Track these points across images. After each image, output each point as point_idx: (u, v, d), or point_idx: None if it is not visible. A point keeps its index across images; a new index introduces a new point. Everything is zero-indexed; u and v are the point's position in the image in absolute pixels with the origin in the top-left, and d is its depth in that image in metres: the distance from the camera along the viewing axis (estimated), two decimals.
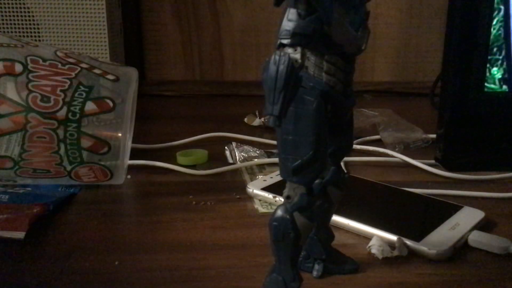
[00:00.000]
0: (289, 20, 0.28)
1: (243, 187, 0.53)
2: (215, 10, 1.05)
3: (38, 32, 0.87)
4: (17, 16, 0.86)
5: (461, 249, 0.42)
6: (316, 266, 0.37)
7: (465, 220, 0.45)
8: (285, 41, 0.28)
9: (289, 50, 0.28)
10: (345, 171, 0.36)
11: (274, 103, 0.28)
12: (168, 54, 1.08)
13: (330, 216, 0.37)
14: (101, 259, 0.40)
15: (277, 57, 0.28)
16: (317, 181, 0.31)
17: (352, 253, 0.41)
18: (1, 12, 0.86)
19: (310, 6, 0.27)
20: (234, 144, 0.66)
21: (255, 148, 0.65)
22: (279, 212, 0.32)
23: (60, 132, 0.49)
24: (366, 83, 1.08)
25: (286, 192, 0.32)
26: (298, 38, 0.28)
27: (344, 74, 0.31)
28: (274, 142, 0.70)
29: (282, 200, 0.49)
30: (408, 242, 0.41)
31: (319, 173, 0.31)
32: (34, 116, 0.48)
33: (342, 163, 0.37)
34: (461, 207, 0.48)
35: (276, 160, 0.62)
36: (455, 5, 0.52)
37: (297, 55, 0.29)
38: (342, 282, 0.37)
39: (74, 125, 0.49)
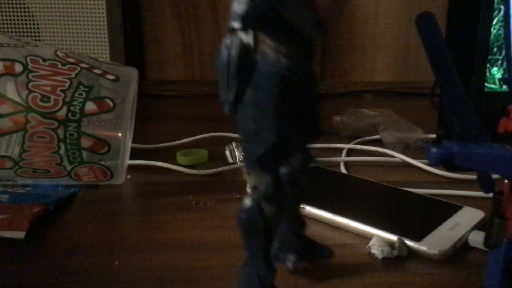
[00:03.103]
0: (240, 2, 0.27)
1: (243, 187, 0.53)
2: (215, 10, 1.05)
3: (38, 32, 0.87)
4: (17, 16, 0.86)
5: (461, 249, 0.42)
6: (290, 257, 0.37)
7: (465, 220, 0.45)
8: (236, 25, 0.27)
9: (241, 34, 0.27)
10: (312, 157, 0.34)
11: (228, 89, 0.27)
12: (168, 54, 1.08)
13: (300, 204, 0.37)
14: (101, 259, 0.40)
15: (228, 42, 0.27)
16: (284, 168, 0.30)
17: (352, 253, 0.41)
18: (1, 12, 0.86)
19: None
20: (234, 144, 0.66)
21: None
22: (247, 203, 0.31)
23: (60, 132, 0.49)
24: (366, 83, 1.08)
25: (253, 182, 0.31)
26: (249, 21, 0.27)
27: (304, 57, 0.29)
28: None
29: None
30: (408, 242, 0.41)
31: (285, 160, 0.30)
32: (34, 116, 0.48)
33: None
34: (461, 207, 0.48)
35: None
36: (455, 5, 0.52)
37: (249, 39, 0.27)
38: (342, 282, 0.37)
39: (74, 125, 0.49)
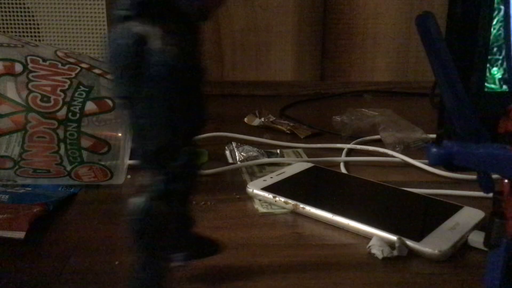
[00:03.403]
0: None
1: (243, 187, 0.53)
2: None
3: (38, 32, 0.87)
4: (17, 16, 0.86)
5: (461, 249, 0.42)
6: (178, 255, 0.35)
7: (465, 220, 0.45)
8: (124, 13, 0.26)
9: (131, 23, 0.26)
10: (200, 150, 0.33)
11: (121, 84, 0.26)
12: None
13: (189, 200, 0.34)
14: (101, 259, 0.40)
15: (118, 32, 0.25)
16: (175, 163, 0.29)
17: (352, 253, 0.41)
18: (1, 12, 0.86)
19: None
20: (234, 144, 0.66)
21: (255, 148, 0.65)
22: (137, 203, 0.29)
23: (60, 132, 0.49)
24: (366, 83, 1.08)
25: (143, 180, 0.30)
26: (139, 8, 0.26)
27: (194, 45, 0.28)
28: (274, 142, 0.70)
29: (282, 200, 0.49)
30: (408, 242, 0.41)
31: (177, 155, 0.29)
32: (34, 116, 0.48)
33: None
34: (461, 207, 0.48)
35: (276, 160, 0.62)
36: (455, 5, 0.52)
37: (139, 28, 0.26)
38: (342, 282, 0.37)
39: (74, 125, 0.49)
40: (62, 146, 0.49)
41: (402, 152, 0.65)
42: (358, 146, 0.68)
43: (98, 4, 0.86)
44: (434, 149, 0.23)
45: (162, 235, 0.31)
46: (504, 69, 0.53)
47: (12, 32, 0.87)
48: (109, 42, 0.26)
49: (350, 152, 0.67)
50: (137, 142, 0.28)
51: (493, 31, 0.52)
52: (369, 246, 0.41)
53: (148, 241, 0.30)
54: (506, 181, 0.26)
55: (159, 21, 0.26)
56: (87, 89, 0.50)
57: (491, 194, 0.27)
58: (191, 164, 0.31)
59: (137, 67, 0.26)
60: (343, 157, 0.64)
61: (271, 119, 0.79)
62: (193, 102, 0.30)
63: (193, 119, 0.31)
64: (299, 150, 0.68)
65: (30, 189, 0.52)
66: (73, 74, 0.51)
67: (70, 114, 0.49)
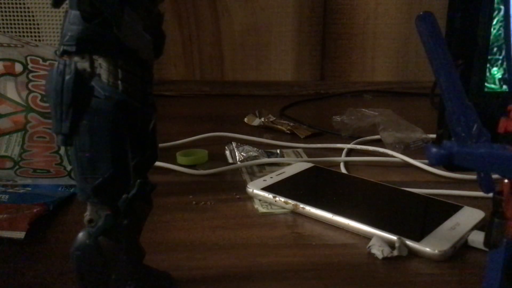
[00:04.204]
0: (72, 23, 0.25)
1: (243, 187, 0.53)
2: (215, 10, 1.05)
3: (38, 32, 0.87)
4: (17, 16, 0.86)
5: (461, 249, 0.42)
6: None
7: (465, 220, 0.45)
8: (69, 48, 0.25)
9: (76, 58, 0.26)
10: (152, 183, 0.32)
11: (63, 120, 0.25)
12: (168, 54, 1.08)
13: (140, 233, 0.33)
14: None
15: (61, 67, 0.25)
16: (121, 198, 0.29)
17: (352, 253, 0.41)
18: (1, 12, 0.86)
19: (94, 7, 0.25)
20: (234, 144, 0.66)
21: (255, 148, 0.65)
22: (82, 239, 0.29)
23: None
24: (366, 83, 1.08)
25: (88, 215, 0.29)
26: (84, 44, 0.25)
27: (142, 81, 0.28)
28: (274, 142, 0.70)
29: (282, 200, 0.49)
30: (408, 242, 0.41)
31: (123, 190, 0.29)
32: (34, 116, 0.48)
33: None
34: (461, 207, 0.48)
35: (276, 160, 0.62)
36: (455, 5, 0.52)
37: (85, 64, 0.26)
38: (342, 282, 0.37)
39: None
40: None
41: (402, 152, 0.65)
42: (358, 146, 0.68)
43: None
44: (434, 149, 0.23)
45: (108, 272, 0.30)
46: (504, 69, 0.53)
47: (12, 32, 0.87)
48: (51, 76, 0.25)
49: (350, 152, 0.67)
50: (81, 176, 0.28)
51: (493, 31, 0.52)
52: (369, 246, 0.41)
53: (92, 277, 0.29)
54: (506, 181, 0.26)
55: (106, 56, 0.26)
56: None
57: (491, 194, 0.27)
58: (141, 197, 0.30)
59: (82, 103, 0.26)
60: (343, 157, 0.64)
61: (271, 119, 0.79)
62: (141, 136, 0.30)
63: (144, 153, 0.30)
64: (299, 150, 0.68)
65: (30, 189, 0.52)
66: None
67: None
